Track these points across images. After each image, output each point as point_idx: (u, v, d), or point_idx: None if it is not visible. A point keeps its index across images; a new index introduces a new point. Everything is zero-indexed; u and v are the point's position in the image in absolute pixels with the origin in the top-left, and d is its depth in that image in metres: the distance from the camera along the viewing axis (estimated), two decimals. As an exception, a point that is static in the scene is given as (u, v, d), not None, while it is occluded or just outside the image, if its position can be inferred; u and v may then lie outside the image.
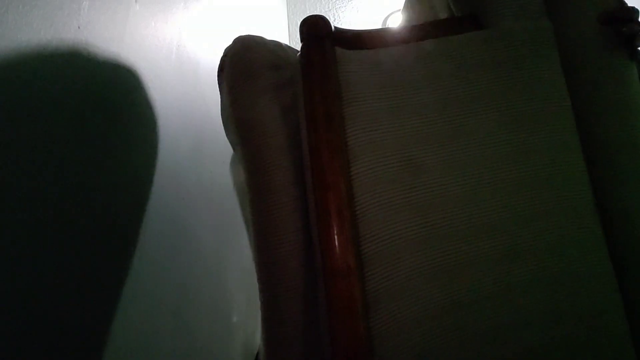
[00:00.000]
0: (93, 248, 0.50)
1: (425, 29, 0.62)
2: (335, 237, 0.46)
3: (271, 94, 0.57)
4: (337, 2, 2.33)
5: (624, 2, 0.59)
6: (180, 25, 0.90)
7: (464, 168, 0.53)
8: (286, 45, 0.66)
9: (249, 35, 0.62)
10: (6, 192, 0.37)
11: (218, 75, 0.63)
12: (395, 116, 0.53)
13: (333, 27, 0.57)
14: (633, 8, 0.58)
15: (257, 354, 1.46)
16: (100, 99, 0.55)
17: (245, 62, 0.58)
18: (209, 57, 1.13)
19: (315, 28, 0.55)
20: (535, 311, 0.50)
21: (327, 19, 0.57)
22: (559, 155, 0.55)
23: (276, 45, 0.63)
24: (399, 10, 2.52)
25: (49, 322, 0.42)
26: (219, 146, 1.17)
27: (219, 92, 0.64)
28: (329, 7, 2.34)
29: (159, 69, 0.75)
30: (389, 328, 0.46)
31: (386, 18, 2.51)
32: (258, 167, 0.56)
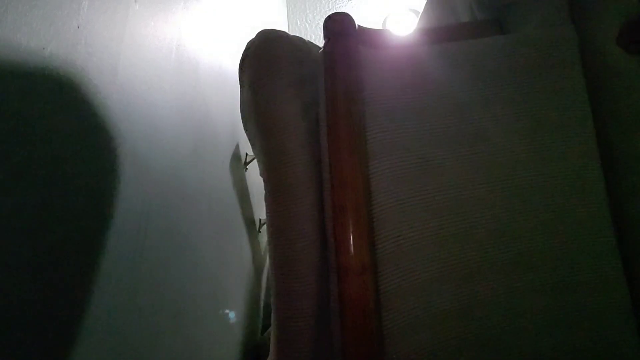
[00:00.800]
0: (93, 248, 0.50)
1: (447, 32, 0.62)
2: (351, 234, 0.46)
3: (293, 90, 0.57)
4: (337, 2, 2.34)
5: None
6: (180, 25, 0.90)
7: (481, 172, 0.53)
8: (308, 40, 0.65)
9: (272, 29, 0.62)
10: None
11: (240, 69, 0.63)
12: (415, 117, 0.53)
13: (357, 26, 0.57)
14: None
15: (257, 348, 1.47)
16: (97, 99, 0.55)
17: (268, 56, 0.58)
18: (209, 57, 1.13)
19: (340, 25, 0.55)
20: (546, 318, 0.50)
21: (351, 17, 0.56)
22: (577, 163, 0.54)
23: (299, 40, 0.62)
24: (398, 11, 2.52)
25: (48, 322, 0.42)
26: (219, 146, 1.17)
27: (238, 87, 0.63)
28: (329, 7, 2.34)
29: (158, 69, 0.75)
30: (400, 328, 0.46)
31: (385, 19, 2.51)
32: (279, 162, 0.55)
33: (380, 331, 0.45)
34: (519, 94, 0.56)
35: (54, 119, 0.44)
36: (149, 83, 0.70)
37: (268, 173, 0.56)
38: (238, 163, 1.46)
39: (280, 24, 2.24)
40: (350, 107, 0.50)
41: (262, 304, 1.78)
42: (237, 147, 1.44)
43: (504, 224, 0.52)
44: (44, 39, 0.43)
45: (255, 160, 1.65)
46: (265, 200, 0.57)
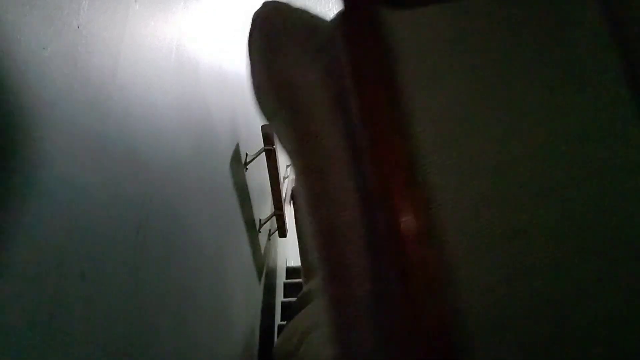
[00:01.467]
0: (93, 248, 0.50)
1: None
2: (403, 198, 0.44)
3: (312, 56, 0.54)
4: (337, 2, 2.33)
5: None
6: (180, 25, 0.90)
7: (523, 124, 0.50)
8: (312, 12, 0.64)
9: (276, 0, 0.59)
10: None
11: (248, 43, 0.60)
12: (449, 76, 0.51)
13: None
14: None
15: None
16: (97, 99, 0.55)
17: (280, 22, 0.55)
18: (209, 57, 1.13)
19: None
20: (598, 284, 0.48)
21: None
22: (615, 112, 0.52)
23: (306, 10, 0.61)
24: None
25: (49, 321, 0.42)
26: (219, 146, 1.18)
27: (249, 62, 0.60)
28: (329, 7, 2.34)
29: (158, 68, 0.75)
30: (468, 299, 0.44)
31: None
32: (308, 130, 0.52)
33: (450, 305, 0.42)
34: (559, 48, 0.54)
35: (54, 119, 0.45)
36: (149, 83, 0.70)
37: (297, 144, 0.54)
38: (238, 163, 1.46)
39: (280, 24, 2.24)
40: (377, 70, 0.48)
41: (261, 304, 1.78)
42: (237, 147, 1.44)
43: (551, 181, 0.49)
44: (44, 39, 0.43)
45: (255, 160, 1.65)
46: (296, 175, 0.54)
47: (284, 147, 0.57)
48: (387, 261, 0.47)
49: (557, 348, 0.47)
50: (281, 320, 2.40)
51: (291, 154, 0.55)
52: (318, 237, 0.51)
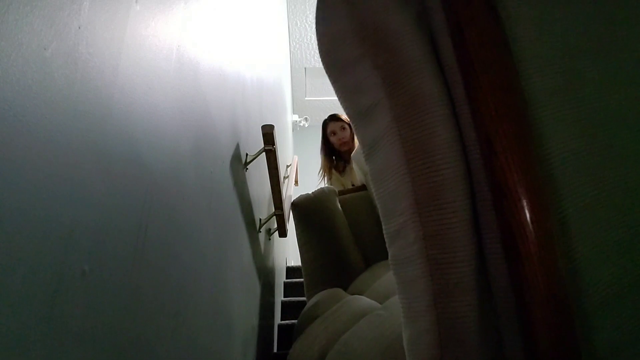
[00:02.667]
0: (93, 247, 0.50)
1: None
2: (518, 151, 0.40)
3: (401, 1, 0.49)
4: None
5: None
6: (180, 25, 0.90)
7: (622, 81, 0.48)
8: None
9: None
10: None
11: None
12: (555, 29, 0.48)
13: None
14: None
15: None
16: (98, 99, 0.55)
17: None
18: (210, 57, 1.13)
19: None
20: None
21: None
22: None
23: None
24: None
25: (49, 320, 0.42)
26: (219, 146, 1.18)
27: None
28: None
29: (159, 69, 0.75)
30: (577, 258, 0.41)
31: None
32: (402, 75, 0.47)
33: (564, 271, 0.39)
34: None
35: (54, 120, 0.45)
36: (149, 83, 0.70)
37: (388, 88, 0.48)
38: (238, 163, 1.46)
39: (281, 24, 2.24)
40: (485, 5, 0.44)
41: (261, 303, 1.78)
42: (237, 147, 1.44)
43: None
44: (45, 40, 0.43)
45: (255, 160, 1.66)
46: (381, 129, 0.48)
47: (363, 96, 0.51)
48: (495, 221, 0.42)
49: None
50: (281, 320, 2.40)
51: (376, 101, 0.49)
52: (417, 199, 0.45)
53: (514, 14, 0.47)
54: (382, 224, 0.50)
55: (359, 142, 0.53)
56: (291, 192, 2.54)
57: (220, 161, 1.17)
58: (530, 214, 0.39)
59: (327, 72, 0.56)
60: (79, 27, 0.50)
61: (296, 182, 3.33)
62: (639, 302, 0.42)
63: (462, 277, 0.42)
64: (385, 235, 0.49)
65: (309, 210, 1.92)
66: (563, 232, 0.41)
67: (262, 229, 1.86)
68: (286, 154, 3.71)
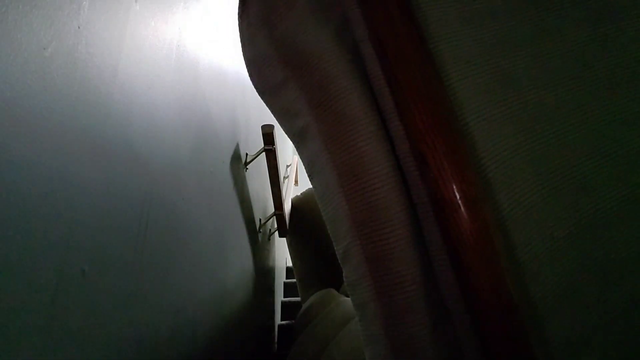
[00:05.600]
0: (94, 246, 0.50)
1: None
2: (449, 159, 0.39)
3: (319, 14, 0.48)
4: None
5: None
6: (180, 25, 0.90)
7: (555, 72, 0.46)
8: None
9: None
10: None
11: (242, 14, 0.53)
12: (473, 24, 0.47)
13: None
14: None
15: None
16: (98, 99, 0.55)
17: None
18: (209, 57, 1.13)
19: None
20: None
21: None
22: None
23: None
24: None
25: (49, 320, 0.42)
26: (219, 146, 1.18)
27: (241, 39, 0.54)
28: None
29: (159, 68, 0.75)
30: (525, 261, 0.40)
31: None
32: (325, 95, 0.46)
33: (507, 271, 0.38)
34: None
35: (54, 120, 0.45)
36: (149, 83, 0.70)
37: (316, 111, 0.46)
38: (238, 163, 1.46)
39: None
40: (404, 17, 0.43)
41: (261, 303, 1.78)
42: (237, 147, 1.44)
43: (597, 124, 0.45)
44: (44, 40, 0.43)
45: (255, 160, 1.66)
46: (315, 151, 0.47)
47: (295, 119, 0.50)
48: (437, 228, 0.41)
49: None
50: (281, 320, 2.40)
51: (306, 124, 0.48)
52: (354, 221, 0.43)
53: (430, 18, 0.46)
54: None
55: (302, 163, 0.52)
56: (291, 192, 2.54)
57: (220, 161, 1.17)
58: (469, 224, 0.38)
59: (260, 97, 0.55)
60: (79, 27, 0.50)
61: (296, 182, 3.33)
62: (590, 297, 0.41)
63: (410, 297, 0.41)
64: (337, 257, 0.48)
65: (298, 211, 1.93)
66: (505, 236, 0.40)
67: (262, 229, 1.86)
68: (286, 154, 3.71)
